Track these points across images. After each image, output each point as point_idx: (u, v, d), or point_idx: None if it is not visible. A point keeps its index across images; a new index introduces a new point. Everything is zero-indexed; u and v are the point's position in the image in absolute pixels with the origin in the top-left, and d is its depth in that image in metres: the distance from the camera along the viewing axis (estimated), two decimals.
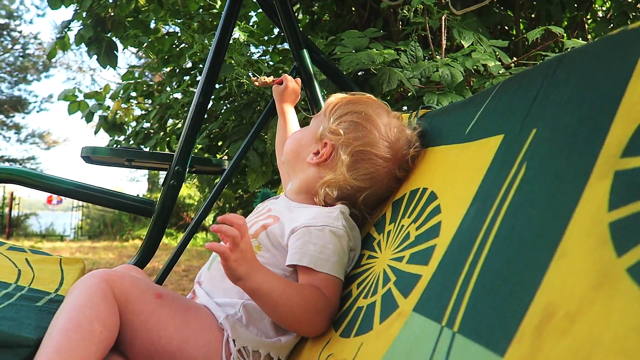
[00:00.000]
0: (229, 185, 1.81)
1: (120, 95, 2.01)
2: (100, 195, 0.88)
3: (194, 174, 1.56)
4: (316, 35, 1.49)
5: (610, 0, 1.74)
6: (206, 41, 1.51)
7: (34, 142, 11.23)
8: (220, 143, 1.69)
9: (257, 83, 0.80)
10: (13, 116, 10.77)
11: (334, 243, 0.52)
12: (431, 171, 0.55)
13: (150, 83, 2.10)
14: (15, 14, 10.11)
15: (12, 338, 0.47)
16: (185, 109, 1.74)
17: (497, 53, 1.15)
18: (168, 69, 2.00)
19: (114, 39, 1.90)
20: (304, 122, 0.76)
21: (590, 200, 0.29)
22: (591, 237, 0.27)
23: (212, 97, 1.52)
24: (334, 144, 0.58)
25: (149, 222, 0.89)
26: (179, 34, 1.85)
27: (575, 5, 1.66)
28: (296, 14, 1.86)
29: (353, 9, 1.74)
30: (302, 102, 1.05)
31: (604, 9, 1.83)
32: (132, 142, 1.96)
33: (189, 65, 1.92)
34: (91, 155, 0.93)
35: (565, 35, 1.16)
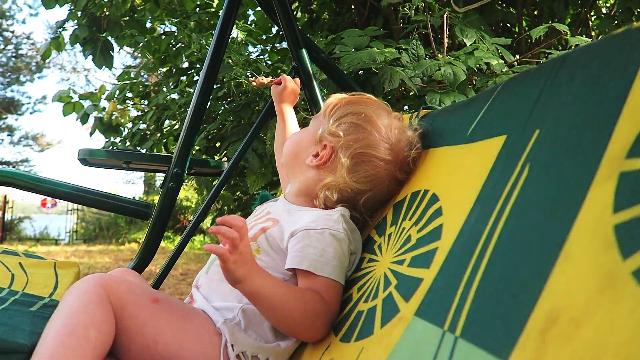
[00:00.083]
0: (228, 187, 1.80)
1: (116, 96, 2.00)
2: (96, 198, 0.87)
3: (192, 176, 1.55)
4: (315, 34, 1.48)
5: None
6: (203, 41, 1.50)
7: (27, 144, 11.14)
8: (218, 144, 1.68)
9: (254, 83, 0.79)
10: (6, 118, 10.67)
11: (334, 246, 0.51)
12: (432, 173, 0.54)
13: (147, 84, 2.08)
14: (7, 13, 10.02)
15: (6, 344, 0.46)
16: (183, 109, 1.72)
17: (499, 51, 1.14)
18: (165, 69, 1.99)
19: (109, 38, 1.89)
20: (303, 123, 0.76)
21: (594, 202, 0.29)
22: (596, 240, 0.27)
23: (210, 97, 1.51)
24: (333, 146, 0.58)
25: (145, 225, 0.89)
26: (176, 34, 1.84)
27: (579, 1, 1.64)
28: (295, 13, 1.86)
29: (353, 7, 1.74)
30: (302, 102, 1.04)
31: (608, 5, 1.82)
32: (128, 143, 1.95)
33: (186, 65, 1.91)
34: (88, 158, 0.92)
35: (569, 32, 1.15)
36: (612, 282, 0.24)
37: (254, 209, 0.66)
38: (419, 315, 0.38)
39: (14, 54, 10.46)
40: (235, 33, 1.44)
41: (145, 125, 1.98)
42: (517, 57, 1.30)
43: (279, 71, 1.50)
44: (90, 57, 1.87)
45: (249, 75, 1.33)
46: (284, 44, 1.75)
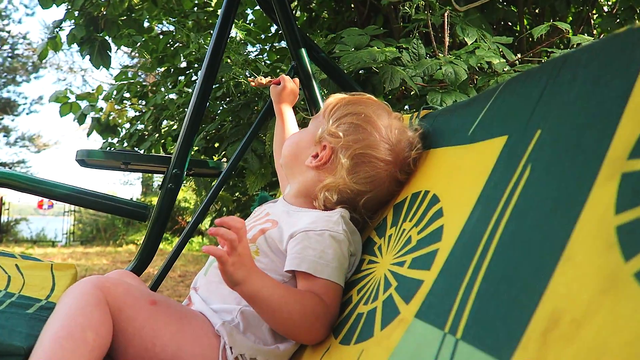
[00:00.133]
0: (227, 187, 1.79)
1: (113, 96, 1.99)
2: (93, 199, 0.87)
3: (190, 177, 1.54)
4: (315, 33, 1.47)
5: None
6: (202, 40, 1.49)
7: (23, 145, 11.05)
8: (217, 145, 1.67)
9: (253, 83, 0.79)
10: (2, 118, 10.60)
11: (333, 248, 0.51)
12: (433, 173, 0.54)
13: (145, 84, 2.07)
14: (3, 13, 9.96)
15: (2, 347, 0.46)
16: (181, 110, 1.72)
17: (501, 50, 1.13)
18: (163, 69, 1.98)
19: (107, 38, 1.88)
20: (302, 123, 0.75)
21: (596, 203, 0.29)
22: (598, 241, 0.27)
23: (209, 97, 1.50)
24: (333, 146, 0.57)
25: (143, 226, 0.88)
26: (174, 33, 1.83)
27: None
28: (294, 11, 1.85)
29: (352, 5, 1.73)
30: (302, 103, 1.04)
31: (609, 3, 1.81)
32: (126, 144, 1.94)
33: (184, 65, 1.90)
34: (86, 159, 0.91)
35: (570, 31, 1.15)
36: (614, 283, 0.24)
37: (253, 210, 0.66)
38: (419, 317, 0.38)
39: (10, 54, 10.40)
40: (234, 32, 1.43)
41: (143, 126, 1.97)
42: (519, 56, 1.30)
43: (278, 71, 1.49)
44: (88, 57, 1.87)
45: (248, 75, 1.32)
46: (283, 44, 1.75)
